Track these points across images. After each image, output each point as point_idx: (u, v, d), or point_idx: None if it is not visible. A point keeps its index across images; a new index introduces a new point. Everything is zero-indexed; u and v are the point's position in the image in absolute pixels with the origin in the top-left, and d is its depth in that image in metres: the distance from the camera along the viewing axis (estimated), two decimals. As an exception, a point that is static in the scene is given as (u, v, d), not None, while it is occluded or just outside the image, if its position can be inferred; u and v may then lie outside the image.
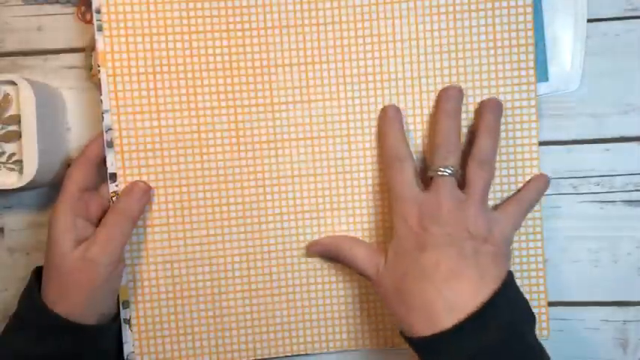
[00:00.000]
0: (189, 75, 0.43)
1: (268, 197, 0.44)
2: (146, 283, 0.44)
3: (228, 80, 0.43)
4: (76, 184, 0.41)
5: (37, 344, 0.39)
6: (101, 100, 0.42)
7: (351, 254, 0.42)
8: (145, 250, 0.43)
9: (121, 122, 0.42)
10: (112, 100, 0.42)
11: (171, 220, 0.43)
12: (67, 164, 0.46)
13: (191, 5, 0.42)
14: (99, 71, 0.42)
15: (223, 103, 0.43)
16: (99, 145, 0.42)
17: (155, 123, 0.43)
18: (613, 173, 0.46)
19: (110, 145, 0.42)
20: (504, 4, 0.42)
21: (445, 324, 0.36)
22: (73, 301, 0.39)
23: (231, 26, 0.43)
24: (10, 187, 0.43)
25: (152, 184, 0.43)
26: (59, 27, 0.46)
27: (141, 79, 0.42)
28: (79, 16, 0.46)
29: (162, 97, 0.43)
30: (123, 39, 0.42)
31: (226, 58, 0.43)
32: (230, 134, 0.43)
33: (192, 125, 0.43)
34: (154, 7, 0.42)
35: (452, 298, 0.36)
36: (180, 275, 0.44)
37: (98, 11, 0.42)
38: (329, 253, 0.43)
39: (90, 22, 0.45)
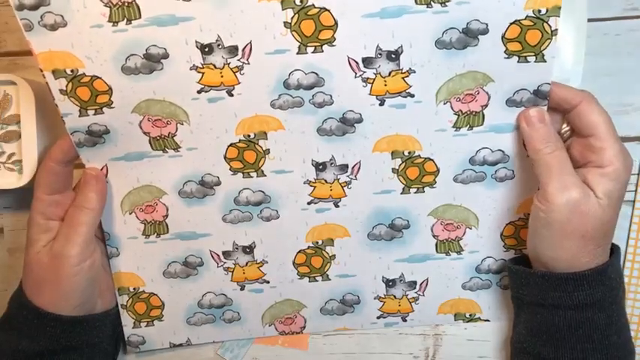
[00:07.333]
0: None
1: None
2: None
3: None
4: (43, 190, 0.41)
5: (30, 341, 0.40)
6: (56, 105, 0.40)
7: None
8: None
9: None
10: None
11: None
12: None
13: None
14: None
15: None
16: (62, 148, 0.41)
17: None
18: (613, 173, 0.46)
19: (80, 145, 0.41)
20: None
21: None
22: (49, 295, 0.40)
23: None
24: (10, 187, 0.43)
25: None
26: (59, 27, 0.46)
27: None
28: (79, 15, 0.46)
29: None
30: None
31: None
32: None
33: None
34: None
35: None
36: None
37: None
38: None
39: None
